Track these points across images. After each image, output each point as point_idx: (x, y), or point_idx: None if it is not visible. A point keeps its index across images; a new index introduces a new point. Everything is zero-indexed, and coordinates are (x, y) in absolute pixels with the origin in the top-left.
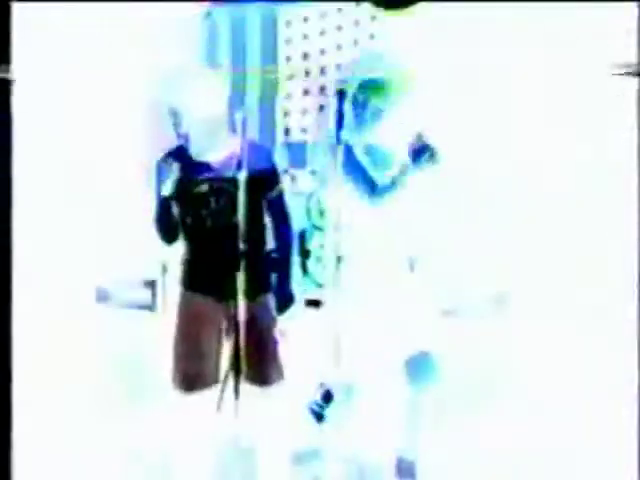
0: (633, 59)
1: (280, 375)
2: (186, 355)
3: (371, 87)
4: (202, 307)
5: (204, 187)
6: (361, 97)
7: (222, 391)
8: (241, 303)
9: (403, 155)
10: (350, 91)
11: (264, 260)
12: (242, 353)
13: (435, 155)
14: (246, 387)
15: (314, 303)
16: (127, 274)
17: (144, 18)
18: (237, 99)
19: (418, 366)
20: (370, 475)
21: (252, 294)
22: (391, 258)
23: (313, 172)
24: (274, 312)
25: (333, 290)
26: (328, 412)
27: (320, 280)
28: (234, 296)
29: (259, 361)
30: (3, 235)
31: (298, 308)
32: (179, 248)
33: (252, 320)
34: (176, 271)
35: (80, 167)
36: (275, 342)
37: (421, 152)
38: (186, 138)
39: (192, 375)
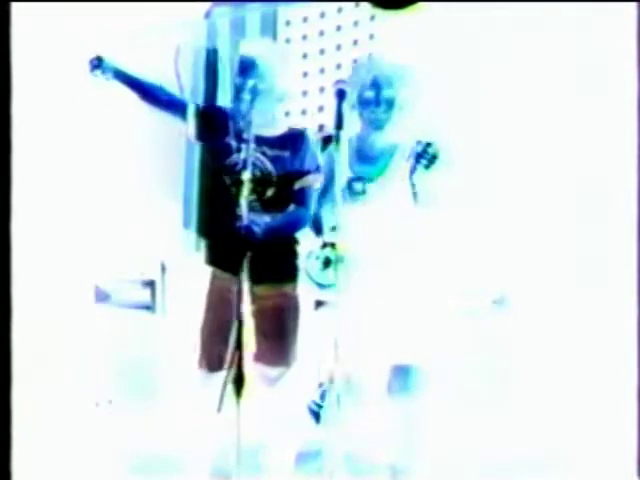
0: (633, 59)
1: (293, 359)
2: (209, 337)
3: (379, 81)
4: (225, 289)
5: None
6: (371, 94)
7: (223, 391)
8: (245, 289)
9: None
10: (355, 94)
11: (289, 246)
12: (253, 338)
13: (437, 158)
14: (247, 387)
15: (314, 303)
16: (127, 274)
17: (144, 18)
18: None
19: (399, 378)
20: (368, 475)
21: (277, 279)
22: (391, 258)
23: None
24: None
25: (334, 290)
26: (327, 412)
27: (320, 280)
28: (253, 279)
29: (274, 342)
30: (2, 235)
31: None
32: (179, 249)
33: (276, 309)
34: (176, 271)
35: (80, 167)
36: (295, 331)
37: (423, 154)
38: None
39: (214, 357)
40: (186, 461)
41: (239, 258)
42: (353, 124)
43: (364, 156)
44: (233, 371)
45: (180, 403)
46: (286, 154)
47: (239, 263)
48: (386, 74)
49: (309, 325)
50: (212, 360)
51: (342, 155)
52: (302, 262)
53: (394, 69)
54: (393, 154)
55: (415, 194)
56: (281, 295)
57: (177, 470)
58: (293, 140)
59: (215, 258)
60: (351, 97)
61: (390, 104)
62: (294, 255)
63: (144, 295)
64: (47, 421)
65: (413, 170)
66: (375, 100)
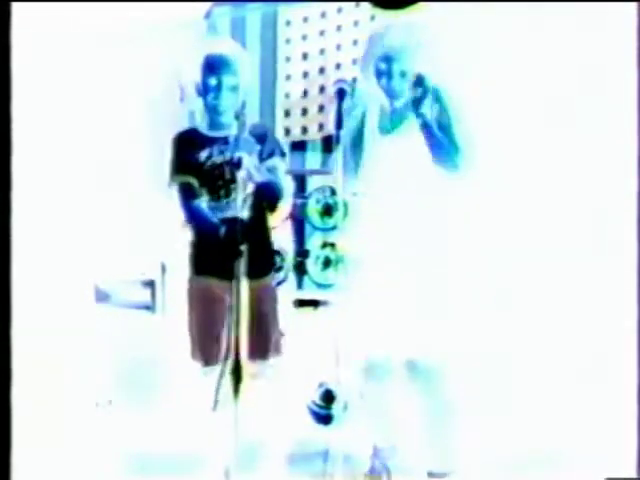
0: (633, 58)
1: (277, 351)
2: (199, 336)
3: (392, 55)
4: (209, 288)
5: (219, 158)
6: (383, 65)
7: (218, 391)
8: (244, 288)
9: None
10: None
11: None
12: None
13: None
14: (245, 387)
15: (312, 303)
16: (127, 274)
17: (144, 18)
18: None
19: (418, 369)
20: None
21: (256, 275)
22: (391, 258)
23: (312, 172)
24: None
25: (334, 290)
26: (327, 412)
27: (319, 280)
28: (237, 278)
29: (257, 336)
30: (2, 235)
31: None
32: (178, 248)
33: (255, 300)
34: (176, 271)
35: (80, 167)
36: (275, 321)
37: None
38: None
39: (207, 353)
40: (186, 461)
41: (230, 262)
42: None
43: (387, 116)
44: (230, 364)
45: (180, 403)
46: (257, 147)
47: (230, 266)
48: (398, 46)
49: (309, 325)
50: (206, 355)
51: (342, 154)
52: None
53: (406, 40)
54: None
55: (426, 124)
56: (262, 287)
57: (177, 470)
58: (260, 136)
59: (205, 267)
60: (369, 69)
61: (403, 75)
62: (271, 247)
63: (144, 295)
64: (47, 421)
65: (418, 101)
66: (388, 72)
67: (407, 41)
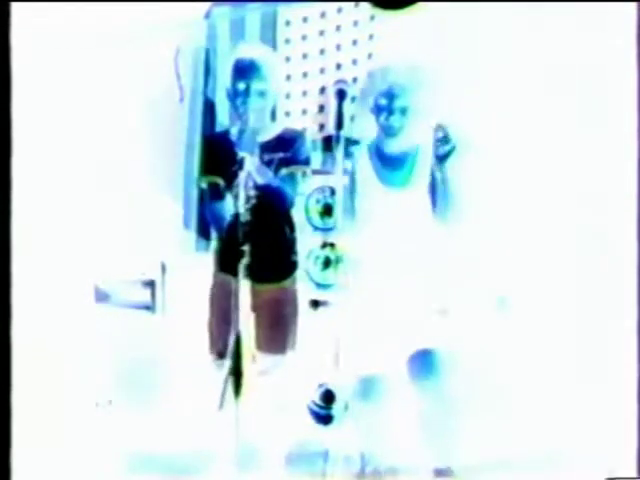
0: (633, 58)
1: (292, 345)
2: (216, 329)
3: (392, 91)
4: (227, 285)
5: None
6: (384, 101)
7: (223, 390)
8: (246, 289)
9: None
10: (370, 103)
11: (287, 244)
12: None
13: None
14: (247, 388)
15: (313, 303)
16: (127, 274)
17: (144, 18)
18: None
19: (421, 363)
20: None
21: (276, 278)
22: (391, 258)
23: (312, 172)
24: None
25: (334, 290)
26: (327, 412)
27: (320, 280)
28: (256, 278)
29: (276, 333)
30: (2, 235)
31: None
32: (179, 249)
33: (274, 302)
34: (176, 271)
35: (79, 167)
36: (295, 321)
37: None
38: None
39: (220, 346)
40: (186, 461)
41: (237, 260)
42: (371, 129)
43: (387, 161)
44: (232, 364)
45: (180, 403)
46: (279, 155)
47: (237, 264)
48: (400, 82)
49: (309, 325)
50: (219, 348)
51: (341, 154)
52: (302, 261)
53: (408, 76)
54: (416, 157)
55: (444, 180)
56: (280, 290)
57: (177, 470)
58: (288, 141)
59: (224, 265)
60: (367, 103)
61: (403, 112)
62: (291, 252)
63: (144, 295)
64: (47, 421)
65: (444, 157)
66: (388, 108)
67: (409, 78)
